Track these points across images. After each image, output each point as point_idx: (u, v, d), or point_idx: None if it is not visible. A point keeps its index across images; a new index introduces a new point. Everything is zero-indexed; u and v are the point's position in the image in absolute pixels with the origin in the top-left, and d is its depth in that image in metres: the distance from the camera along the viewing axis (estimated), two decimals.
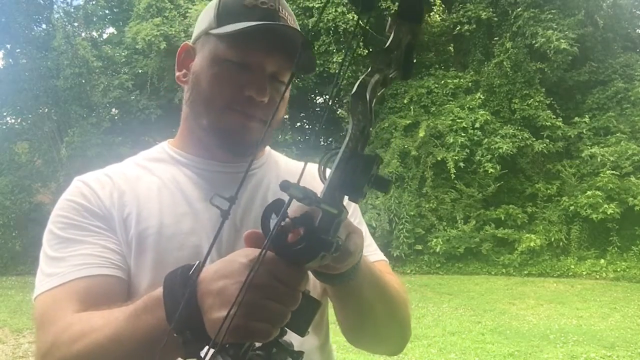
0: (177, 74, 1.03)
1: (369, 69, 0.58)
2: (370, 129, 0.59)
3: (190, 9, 13.64)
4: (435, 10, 14.73)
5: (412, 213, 12.31)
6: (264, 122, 0.96)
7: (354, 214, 1.11)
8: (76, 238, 0.90)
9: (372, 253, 1.09)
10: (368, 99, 0.58)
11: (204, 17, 1.00)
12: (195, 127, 1.00)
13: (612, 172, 11.52)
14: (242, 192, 1.00)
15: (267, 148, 1.13)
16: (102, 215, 0.93)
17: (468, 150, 12.45)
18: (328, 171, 0.61)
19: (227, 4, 0.95)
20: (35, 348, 0.84)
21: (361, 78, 0.58)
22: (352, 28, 12.61)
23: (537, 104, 12.77)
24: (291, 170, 1.10)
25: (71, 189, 0.97)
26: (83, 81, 13.83)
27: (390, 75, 0.59)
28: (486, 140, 12.47)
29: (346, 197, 0.60)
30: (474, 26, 13.53)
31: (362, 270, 0.82)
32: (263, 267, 0.60)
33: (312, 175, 1.07)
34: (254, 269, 0.57)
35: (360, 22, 0.57)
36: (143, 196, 0.96)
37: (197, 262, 0.68)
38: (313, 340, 1.00)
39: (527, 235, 11.75)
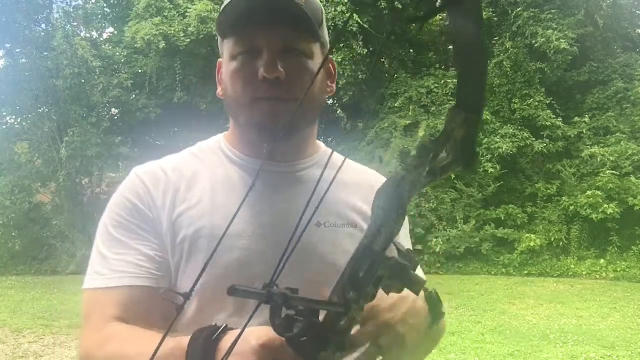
0: (218, 91, 1.04)
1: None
2: (394, 231, 0.55)
3: (190, 8, 13.62)
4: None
5: (412, 213, 12.29)
6: (293, 100, 0.93)
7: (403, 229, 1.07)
8: (123, 240, 0.93)
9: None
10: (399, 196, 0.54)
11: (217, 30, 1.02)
12: (239, 128, 1.02)
13: (612, 172, 11.51)
14: (292, 195, 0.98)
15: (323, 146, 1.10)
16: (152, 218, 0.94)
17: None
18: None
19: (224, 9, 0.94)
20: (79, 344, 0.92)
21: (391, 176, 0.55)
22: (352, 28, 12.64)
23: (537, 103, 12.76)
24: (346, 180, 1.00)
25: (129, 183, 0.98)
26: (83, 81, 13.79)
27: (442, 165, 0.54)
28: (486, 140, 12.44)
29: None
30: None
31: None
32: (270, 353, 0.63)
33: (371, 188, 1.01)
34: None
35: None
36: (197, 196, 0.96)
37: (225, 325, 0.71)
38: None
39: (527, 235, 11.73)
